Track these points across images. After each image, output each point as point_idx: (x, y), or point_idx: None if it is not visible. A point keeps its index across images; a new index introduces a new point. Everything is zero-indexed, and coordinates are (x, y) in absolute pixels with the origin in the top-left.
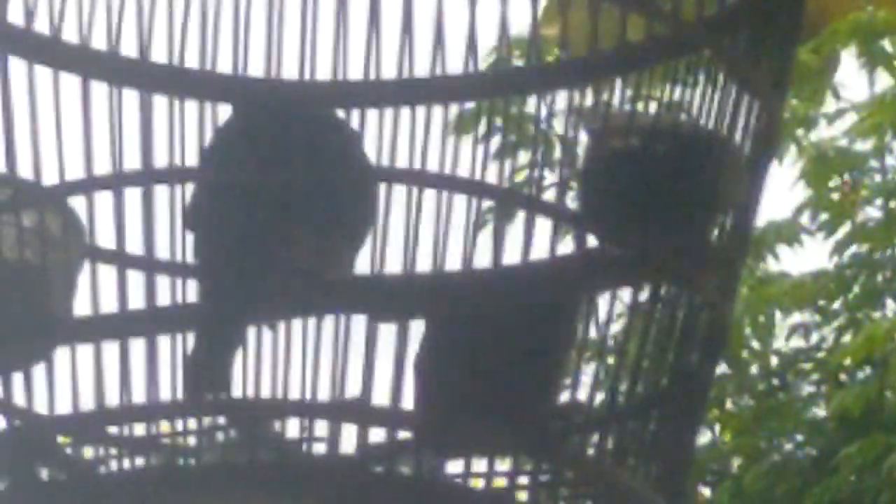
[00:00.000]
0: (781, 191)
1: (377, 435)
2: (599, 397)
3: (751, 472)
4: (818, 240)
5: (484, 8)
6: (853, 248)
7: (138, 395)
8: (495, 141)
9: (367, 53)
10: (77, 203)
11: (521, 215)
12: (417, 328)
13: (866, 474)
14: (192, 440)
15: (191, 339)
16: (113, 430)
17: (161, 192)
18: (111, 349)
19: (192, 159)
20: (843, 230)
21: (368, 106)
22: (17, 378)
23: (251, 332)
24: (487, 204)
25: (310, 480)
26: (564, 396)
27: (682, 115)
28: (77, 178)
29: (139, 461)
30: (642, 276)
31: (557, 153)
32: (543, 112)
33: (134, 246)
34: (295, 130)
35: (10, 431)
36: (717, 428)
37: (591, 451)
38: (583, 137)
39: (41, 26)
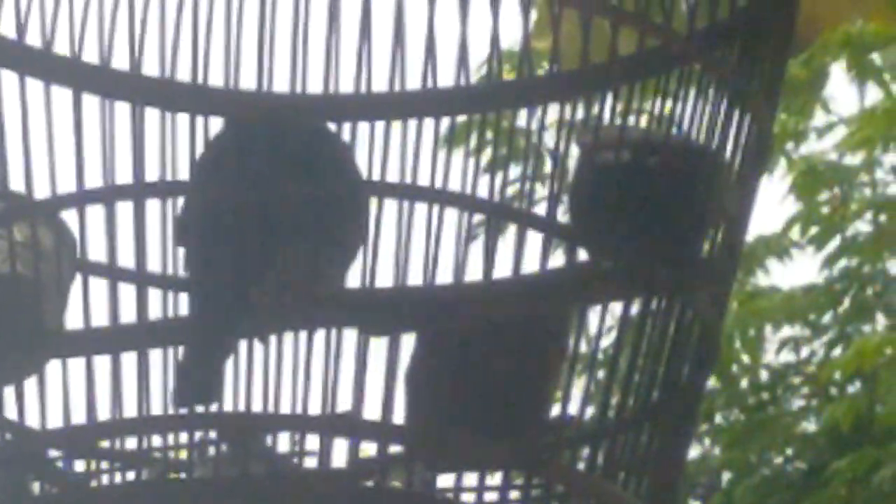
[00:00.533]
0: (771, 204)
1: (368, 449)
2: (590, 411)
3: (741, 487)
4: (808, 254)
5: (475, 21)
6: (843, 262)
7: (130, 409)
8: (486, 154)
9: (358, 67)
10: (69, 216)
11: (512, 229)
12: (408, 342)
13: (857, 488)
14: (183, 454)
15: (182, 352)
16: (105, 443)
17: (153, 205)
18: (103, 363)
19: (183, 173)
20: (833, 244)
21: (360, 119)
22: (9, 391)
23: (242, 346)
24: (478, 218)
25: (301, 494)
26: (555, 410)
27: (674, 128)
28: (69, 191)
29: (131, 475)
30: (633, 290)
31: (548, 167)
32: (535, 125)
33: (126, 259)
34: (286, 144)
35: (1, 445)
36: (707, 442)
37: (581, 465)
38: (574, 151)
39: (33, 39)
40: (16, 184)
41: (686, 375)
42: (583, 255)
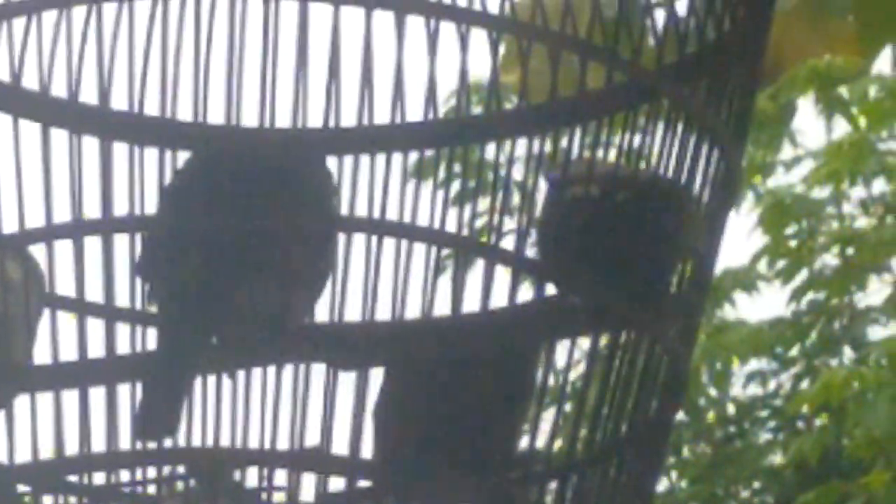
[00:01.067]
0: (739, 238)
1: (337, 484)
2: (558, 445)
3: None
4: (775, 287)
5: (443, 55)
6: (810, 296)
7: (98, 444)
8: (455, 188)
9: (326, 101)
10: (37, 251)
11: (480, 263)
12: (377, 376)
13: None
14: (152, 489)
15: (144, 385)
16: (73, 478)
17: (121, 240)
18: (71, 397)
19: (152, 208)
20: (801, 277)
21: (328, 153)
22: None
23: (211, 380)
24: (447, 252)
25: None
26: (523, 444)
27: (642, 163)
28: (37, 225)
29: None
30: (601, 325)
31: (517, 200)
32: (503, 159)
33: (94, 294)
34: (253, 176)
35: None
36: (674, 475)
37: (550, 500)
38: (542, 185)
39: (1, 73)
40: None
41: (654, 409)
42: (551, 289)
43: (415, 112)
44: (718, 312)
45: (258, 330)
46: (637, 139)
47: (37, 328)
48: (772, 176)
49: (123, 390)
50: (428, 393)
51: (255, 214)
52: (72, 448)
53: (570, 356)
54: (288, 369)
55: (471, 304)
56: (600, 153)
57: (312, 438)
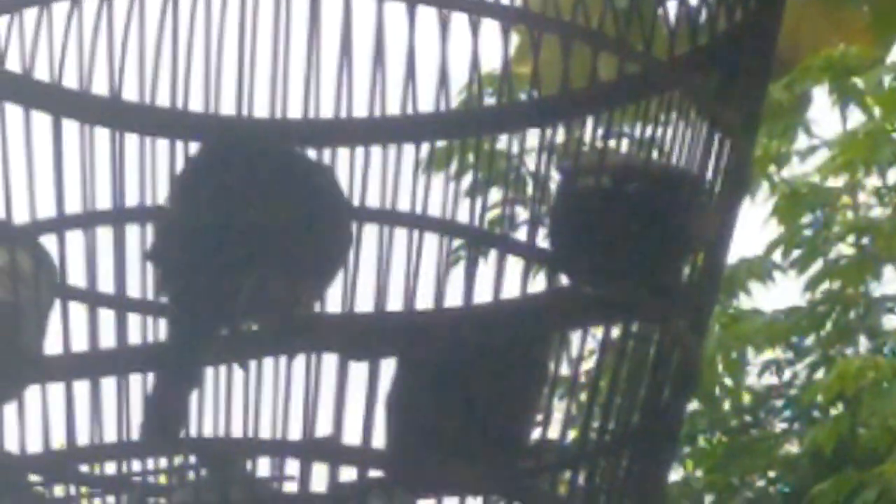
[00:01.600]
0: (754, 228)
1: (348, 474)
2: (571, 435)
3: None
4: (790, 277)
5: (455, 47)
6: (826, 285)
7: (110, 434)
8: (467, 179)
9: (338, 92)
10: (48, 241)
11: (492, 254)
12: (388, 367)
13: None
14: (163, 479)
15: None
16: (84, 468)
17: (132, 230)
18: (82, 388)
19: (163, 198)
20: (816, 267)
21: (339, 144)
22: None
23: (222, 371)
24: (459, 242)
25: None
26: (536, 434)
27: (654, 153)
28: (48, 216)
29: (111, 500)
30: (613, 315)
31: (529, 191)
32: (515, 150)
33: (105, 285)
34: (265, 167)
35: None
36: (690, 464)
37: (562, 490)
38: (555, 176)
39: (13, 65)
40: None
41: (667, 399)
42: (563, 279)
43: (427, 103)
44: (733, 302)
45: (267, 319)
46: (649, 130)
47: (48, 319)
48: (787, 166)
49: (135, 380)
50: (440, 383)
51: (264, 204)
52: (83, 438)
53: (582, 346)
54: (299, 359)
55: (483, 294)
56: (612, 144)
57: (324, 428)
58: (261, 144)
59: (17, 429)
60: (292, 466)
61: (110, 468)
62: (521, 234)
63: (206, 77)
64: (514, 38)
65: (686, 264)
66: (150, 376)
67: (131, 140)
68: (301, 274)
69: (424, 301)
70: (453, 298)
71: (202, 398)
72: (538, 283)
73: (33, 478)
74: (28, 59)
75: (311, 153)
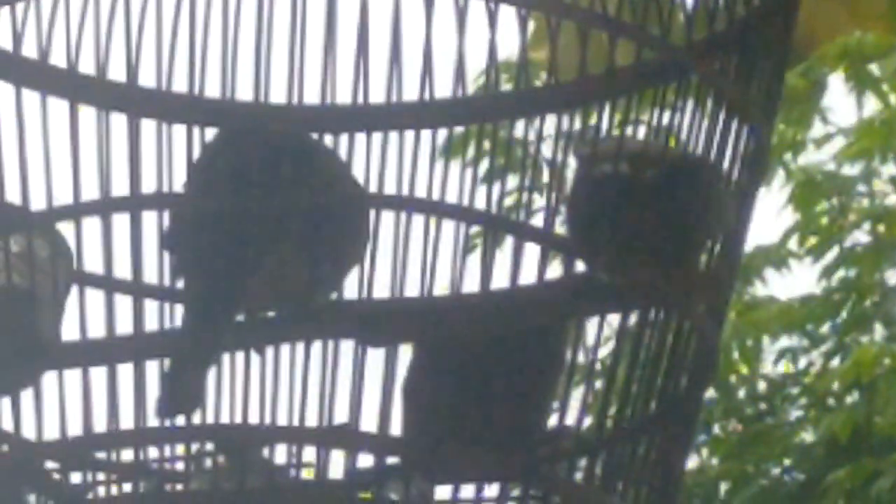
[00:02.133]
0: (769, 215)
1: (365, 460)
2: (588, 422)
3: (738, 497)
4: (806, 264)
5: (472, 32)
6: (841, 273)
7: (127, 421)
8: (484, 165)
9: (355, 78)
10: (65, 228)
11: (509, 240)
12: (406, 353)
13: (854, 499)
14: (180, 466)
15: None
16: (101, 455)
17: (149, 217)
18: (99, 374)
19: (180, 184)
20: (832, 254)
21: (356, 131)
22: (5, 403)
23: (239, 357)
24: (476, 229)
25: None
26: (553, 421)
27: (671, 140)
28: (65, 203)
29: (128, 487)
30: (631, 302)
31: (546, 178)
32: (532, 136)
33: (122, 271)
34: (281, 153)
35: None
36: (705, 452)
37: (579, 477)
38: (572, 162)
39: (29, 50)
40: (12, 195)
41: (684, 386)
42: (580, 266)
43: (444, 89)
44: (749, 290)
45: (284, 305)
46: (666, 116)
47: (65, 305)
48: (802, 153)
49: (151, 367)
50: (457, 370)
51: (281, 191)
52: (100, 425)
53: (599, 333)
54: (317, 346)
55: (500, 280)
56: (629, 130)
57: (341, 415)
58: (278, 131)
59: (34, 415)
60: (309, 453)
61: (127, 455)
62: (538, 221)
63: (222, 63)
64: (531, 25)
65: (704, 251)
66: (169, 363)
67: (148, 126)
68: (318, 261)
69: (441, 287)
70: (470, 285)
71: (219, 385)
72: (555, 270)
73: (50, 465)
74: (44, 45)
75: (328, 140)
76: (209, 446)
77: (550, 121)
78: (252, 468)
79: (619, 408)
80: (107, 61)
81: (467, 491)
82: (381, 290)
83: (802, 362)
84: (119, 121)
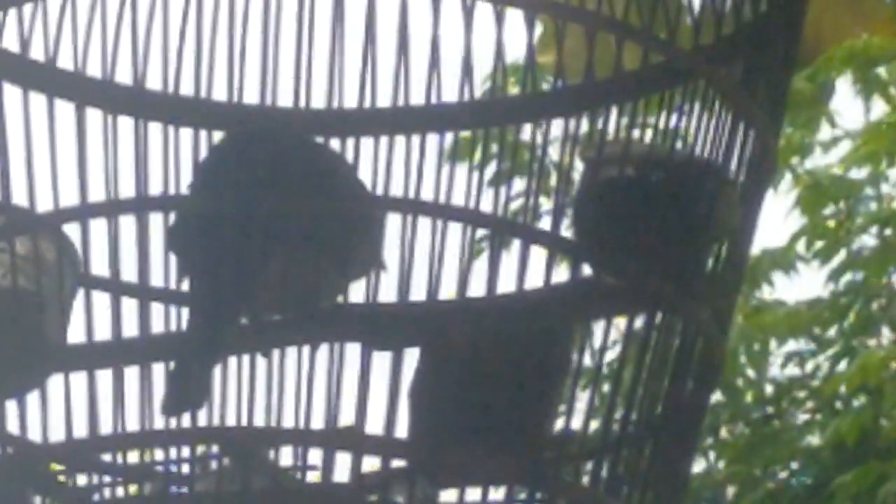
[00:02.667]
0: (776, 218)
1: (371, 463)
2: (594, 426)
3: (746, 501)
4: (813, 268)
5: (479, 36)
6: (848, 276)
7: (132, 423)
8: (490, 169)
9: (362, 81)
10: (71, 230)
11: (516, 244)
12: (412, 356)
13: (862, 502)
14: (185, 468)
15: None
16: (107, 457)
17: (156, 219)
18: (105, 377)
19: (186, 187)
20: (839, 258)
21: (363, 134)
22: (11, 405)
23: (245, 360)
24: (482, 232)
25: None
26: (559, 425)
27: (678, 143)
28: (71, 205)
29: (133, 489)
30: (637, 305)
31: (553, 181)
32: (539, 140)
33: (128, 273)
34: (288, 157)
35: (2, 459)
36: (712, 456)
37: (585, 480)
38: (578, 165)
39: (36, 53)
40: (18, 197)
41: (689, 390)
42: (587, 270)
43: (450, 93)
44: (756, 293)
45: (289, 307)
46: (673, 120)
47: (71, 307)
48: (809, 157)
49: (158, 370)
50: (463, 373)
51: (287, 193)
52: (106, 427)
53: (605, 337)
54: (323, 349)
55: (506, 284)
56: (636, 134)
57: (347, 418)
58: (284, 134)
59: (40, 418)
60: (315, 456)
61: (133, 457)
62: (545, 224)
63: (229, 66)
64: (538, 28)
65: (710, 254)
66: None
67: (155, 129)
68: (323, 263)
69: (448, 290)
70: (477, 288)
71: (225, 387)
72: (561, 274)
73: (56, 466)
74: (52, 48)
75: (335, 143)
76: (215, 448)
77: (557, 124)
78: (257, 470)
79: (625, 411)
80: (114, 64)
81: (473, 494)
82: (388, 293)
83: (809, 366)
84: (126, 123)
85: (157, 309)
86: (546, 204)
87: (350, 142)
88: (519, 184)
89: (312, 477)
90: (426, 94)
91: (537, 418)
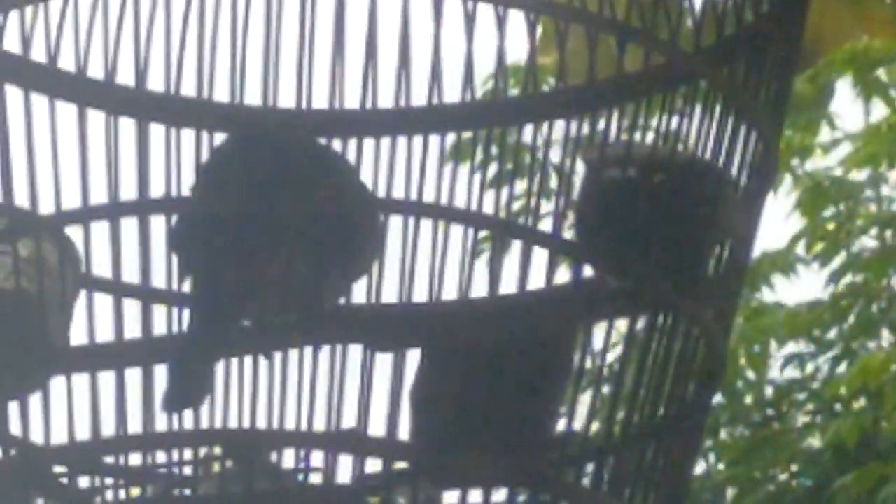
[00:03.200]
0: (776, 220)
1: (373, 465)
2: (595, 427)
3: (745, 503)
4: (813, 269)
5: (481, 37)
6: (848, 278)
7: (135, 425)
8: (492, 170)
9: (363, 83)
10: (73, 232)
11: (517, 245)
12: (414, 358)
13: None
14: (188, 470)
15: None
16: (109, 459)
17: (157, 221)
18: (107, 379)
19: (188, 189)
20: (839, 260)
21: (365, 135)
22: (13, 407)
23: (247, 362)
24: (484, 234)
25: None
26: (560, 427)
27: (679, 145)
28: (73, 207)
29: (136, 491)
30: (639, 307)
31: (554, 183)
32: (540, 141)
33: (130, 275)
34: (290, 158)
35: (5, 461)
36: (712, 458)
37: (587, 482)
38: (580, 167)
39: (37, 55)
40: (20, 199)
41: (691, 392)
42: (588, 271)
43: (452, 94)
44: (756, 295)
45: (291, 309)
46: (675, 121)
47: (73, 310)
48: (810, 159)
49: (160, 371)
50: (465, 374)
51: (289, 195)
52: (108, 429)
53: (607, 338)
54: (325, 350)
55: (508, 285)
56: (638, 135)
57: (349, 420)
58: (286, 135)
59: (42, 420)
60: (317, 458)
61: (135, 459)
62: (547, 226)
63: (231, 67)
64: (540, 30)
65: (712, 256)
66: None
67: (156, 130)
68: (325, 265)
69: (450, 292)
70: (478, 290)
71: (227, 389)
72: (563, 275)
73: (58, 469)
74: (53, 50)
75: (337, 144)
76: (217, 450)
77: (559, 126)
78: (260, 472)
79: (626, 413)
80: (115, 65)
81: (475, 496)
82: (390, 295)
83: (809, 368)
84: (128, 125)
85: (159, 311)
86: (547, 205)
87: (352, 143)
88: (520, 185)
89: (315, 479)
90: (428, 96)
91: (539, 420)
